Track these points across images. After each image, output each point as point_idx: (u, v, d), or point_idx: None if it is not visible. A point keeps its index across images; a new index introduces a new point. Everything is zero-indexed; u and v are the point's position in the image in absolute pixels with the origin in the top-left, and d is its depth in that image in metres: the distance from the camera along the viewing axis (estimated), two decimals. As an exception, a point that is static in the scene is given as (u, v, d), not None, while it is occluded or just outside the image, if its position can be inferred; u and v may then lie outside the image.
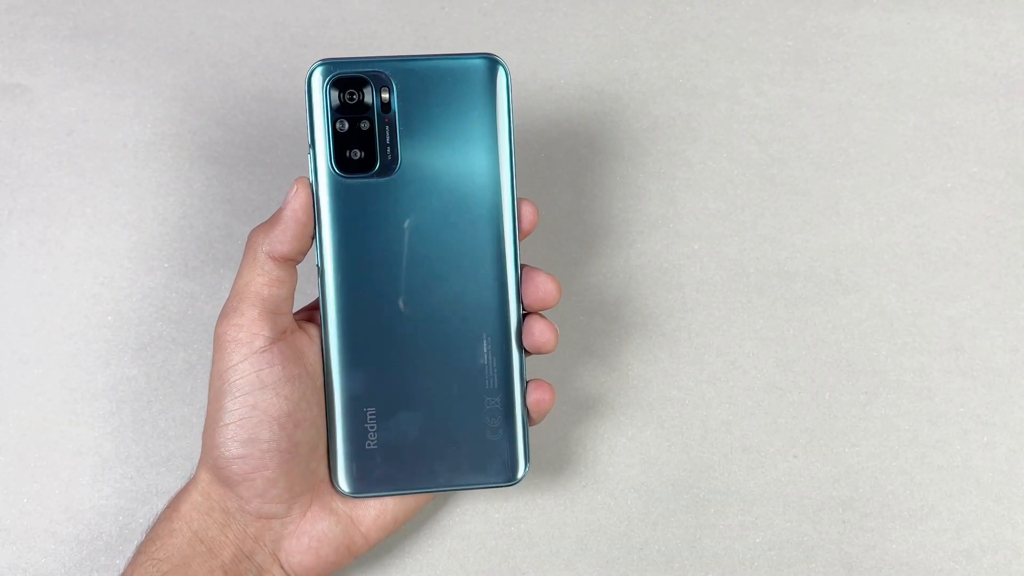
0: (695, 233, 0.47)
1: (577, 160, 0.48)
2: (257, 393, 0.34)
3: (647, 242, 0.47)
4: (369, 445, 0.37)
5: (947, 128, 0.49)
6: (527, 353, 0.38)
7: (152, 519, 0.37)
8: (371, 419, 0.36)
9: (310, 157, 0.35)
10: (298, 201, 0.35)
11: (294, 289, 0.36)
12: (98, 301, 0.44)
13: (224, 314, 0.35)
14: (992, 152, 0.49)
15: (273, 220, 0.35)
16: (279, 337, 0.35)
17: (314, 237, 0.36)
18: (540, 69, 0.48)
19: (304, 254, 0.36)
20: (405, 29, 0.48)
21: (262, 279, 0.35)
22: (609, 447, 0.45)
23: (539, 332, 0.37)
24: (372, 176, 0.36)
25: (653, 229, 0.47)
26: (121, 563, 0.41)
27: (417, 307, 0.36)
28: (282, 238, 0.35)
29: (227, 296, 0.36)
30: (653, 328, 0.46)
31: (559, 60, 0.49)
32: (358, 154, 0.35)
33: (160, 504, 0.42)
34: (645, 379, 0.46)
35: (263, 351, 0.35)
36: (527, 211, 0.37)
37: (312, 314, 0.38)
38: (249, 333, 0.35)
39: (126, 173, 0.46)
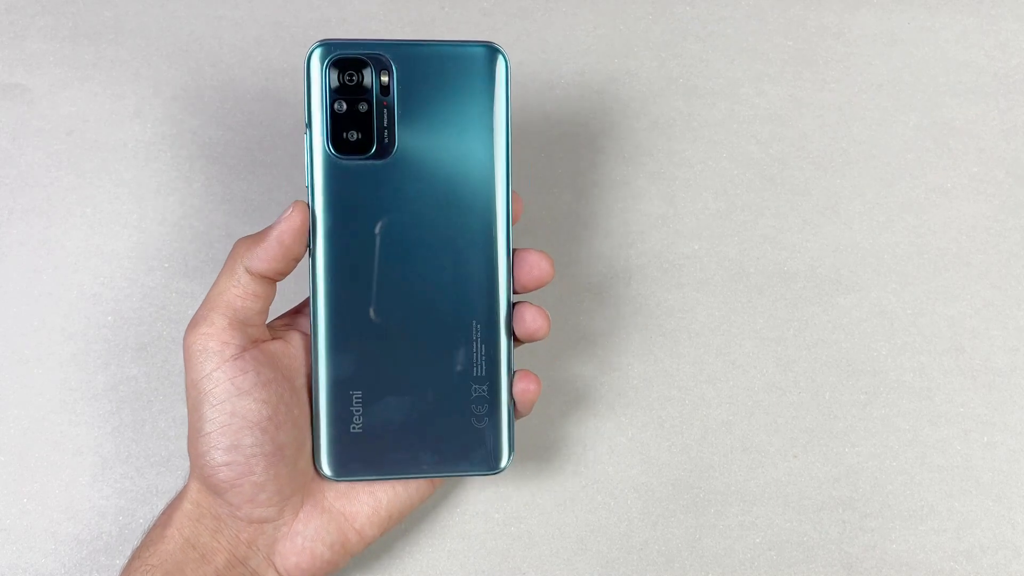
0: (695, 233, 0.47)
1: (577, 160, 0.48)
2: (234, 400, 0.34)
3: (647, 242, 0.47)
4: (354, 428, 0.36)
5: (947, 128, 0.49)
6: (518, 342, 0.38)
7: (147, 526, 0.37)
8: (357, 402, 0.36)
9: (306, 136, 0.35)
10: (288, 224, 0.35)
11: (269, 304, 0.36)
12: (98, 301, 0.44)
13: (193, 323, 0.35)
14: (992, 152, 0.49)
15: (260, 236, 0.35)
16: (250, 345, 0.35)
17: (297, 260, 0.35)
18: (540, 69, 0.48)
19: (285, 275, 0.36)
20: (405, 29, 0.48)
21: (236, 291, 0.35)
22: (609, 447, 0.45)
23: (531, 318, 0.37)
24: (368, 158, 0.35)
25: (653, 229, 0.47)
26: (121, 563, 0.41)
27: (407, 292, 0.36)
28: (263, 256, 0.35)
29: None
30: (653, 328, 0.46)
31: (559, 60, 0.48)
32: (355, 136, 0.35)
33: (160, 504, 0.42)
34: (645, 379, 0.46)
35: (235, 358, 0.34)
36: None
37: (291, 320, 0.38)
38: (219, 342, 0.34)
39: (126, 173, 0.46)
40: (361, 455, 0.36)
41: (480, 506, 0.44)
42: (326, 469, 0.36)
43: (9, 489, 0.43)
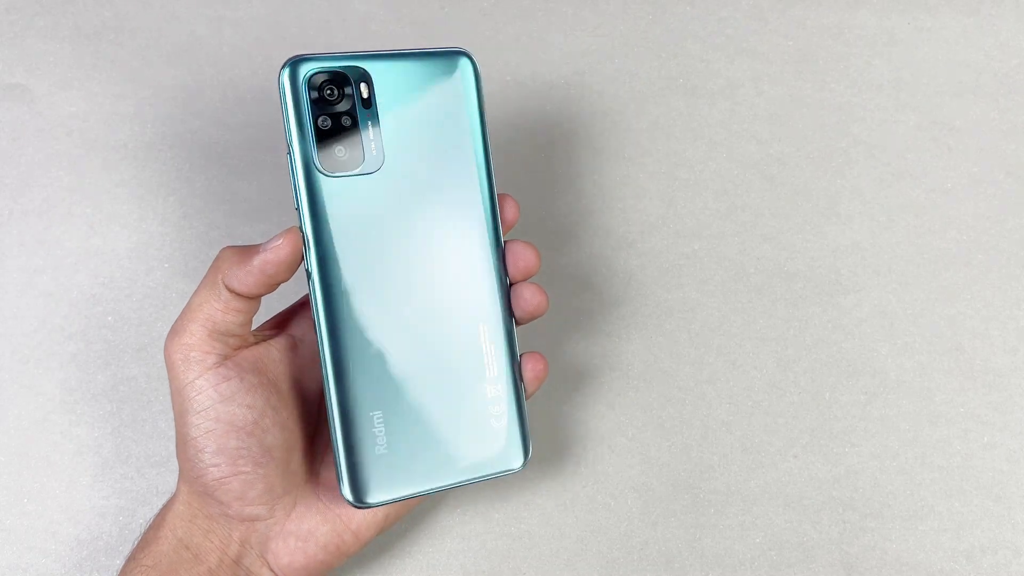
0: (695, 233, 0.47)
1: (577, 160, 0.48)
2: (219, 407, 0.34)
3: (647, 242, 0.47)
4: (379, 450, 0.35)
5: (947, 128, 0.49)
6: (517, 323, 0.38)
7: (142, 529, 0.37)
8: (379, 423, 0.35)
9: (288, 158, 0.34)
10: (275, 255, 0.34)
11: (252, 316, 0.35)
12: (98, 301, 0.44)
13: (174, 332, 0.35)
14: (992, 152, 0.49)
15: (244, 256, 0.34)
16: (232, 353, 0.35)
17: (280, 284, 0.35)
18: (540, 69, 0.48)
19: (264, 294, 0.35)
20: (405, 29, 0.48)
21: (217, 304, 0.34)
22: (609, 447, 0.45)
23: (530, 295, 0.37)
24: (357, 174, 0.35)
25: (653, 229, 0.47)
26: (121, 564, 0.41)
27: (411, 303, 0.36)
28: (244, 279, 0.34)
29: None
30: (653, 328, 0.46)
31: (559, 60, 0.48)
32: (343, 151, 0.35)
33: (160, 504, 0.42)
34: (645, 379, 0.46)
35: (217, 366, 0.34)
36: (508, 206, 0.37)
37: (278, 323, 0.38)
38: (200, 352, 0.34)
39: (126, 173, 0.46)
40: (390, 476, 0.35)
41: (480, 506, 0.44)
42: (360, 497, 0.35)
43: (9, 489, 0.43)
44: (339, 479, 0.35)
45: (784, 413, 0.46)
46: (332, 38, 0.48)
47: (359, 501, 0.35)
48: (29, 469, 0.43)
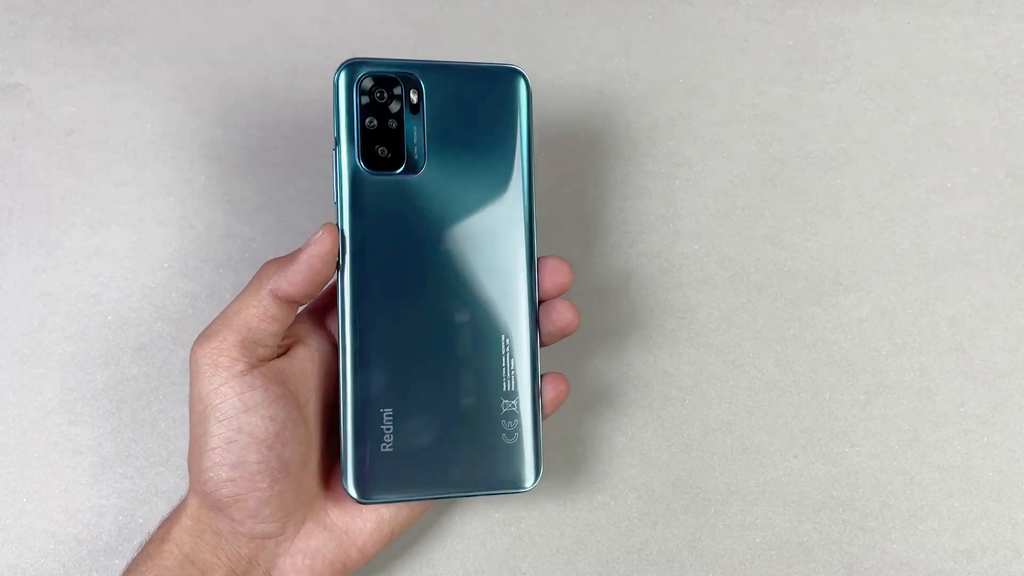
0: (695, 233, 0.47)
1: (577, 160, 0.48)
2: (241, 416, 0.34)
3: (647, 242, 0.47)
4: (385, 448, 0.35)
5: (947, 128, 0.49)
6: (545, 342, 0.38)
7: (143, 540, 0.36)
8: (388, 420, 0.35)
9: (335, 153, 0.35)
10: (319, 248, 0.34)
11: (284, 328, 0.35)
12: (98, 301, 0.44)
13: (205, 336, 0.34)
14: (992, 152, 0.49)
15: (289, 259, 0.35)
16: (258, 363, 0.35)
17: (325, 283, 0.35)
18: (540, 69, 0.48)
19: (311, 298, 0.35)
20: (405, 30, 0.48)
21: (256, 311, 0.34)
22: (609, 447, 0.45)
23: (564, 310, 0.37)
24: (398, 175, 0.36)
25: (653, 229, 0.47)
26: (121, 564, 0.41)
27: (437, 307, 0.36)
28: (292, 280, 0.34)
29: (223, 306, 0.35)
30: (653, 328, 0.46)
31: (559, 60, 0.48)
32: (385, 152, 0.36)
33: (160, 504, 0.42)
34: (645, 379, 0.46)
35: (243, 374, 0.34)
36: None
37: (295, 334, 0.37)
38: (229, 358, 0.34)
39: (126, 173, 0.46)
40: (393, 476, 0.35)
41: (480, 506, 0.44)
42: (358, 492, 0.35)
43: (9, 489, 0.43)
44: (343, 473, 0.35)
45: (784, 413, 0.46)
46: (332, 38, 0.48)
47: (363, 496, 0.35)
48: (29, 469, 0.43)
